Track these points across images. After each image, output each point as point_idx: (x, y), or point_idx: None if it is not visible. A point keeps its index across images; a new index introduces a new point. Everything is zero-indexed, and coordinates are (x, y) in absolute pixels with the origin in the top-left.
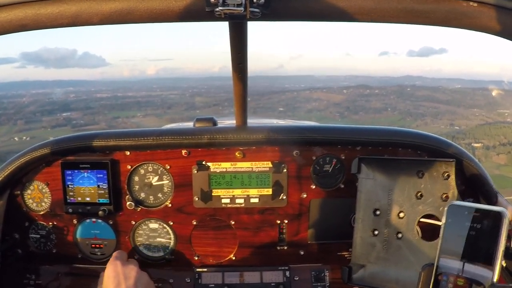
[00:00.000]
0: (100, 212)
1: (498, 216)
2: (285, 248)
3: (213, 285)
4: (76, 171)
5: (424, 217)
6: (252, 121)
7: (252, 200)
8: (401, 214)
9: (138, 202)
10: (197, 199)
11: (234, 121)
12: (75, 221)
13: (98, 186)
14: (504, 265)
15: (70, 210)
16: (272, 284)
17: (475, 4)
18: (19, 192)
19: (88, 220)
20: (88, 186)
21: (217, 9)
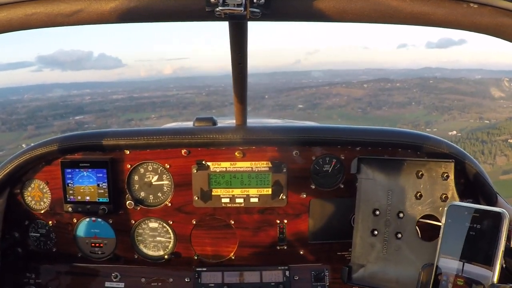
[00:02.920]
0: (100, 211)
1: (498, 217)
2: (285, 247)
3: (212, 285)
4: (76, 170)
5: (423, 217)
6: (252, 121)
7: (252, 200)
8: (401, 214)
9: (138, 201)
10: (196, 198)
11: (234, 121)
12: (75, 220)
13: (98, 185)
14: (504, 265)
15: (70, 209)
16: (272, 283)
17: (475, 6)
18: (19, 190)
19: (88, 219)
20: (88, 185)
21: (217, 9)
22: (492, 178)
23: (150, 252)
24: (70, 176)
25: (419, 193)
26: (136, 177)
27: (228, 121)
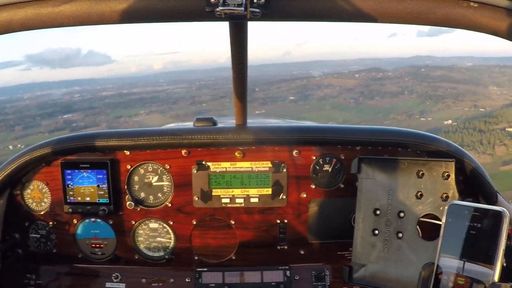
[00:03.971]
0: (100, 212)
1: (498, 216)
2: (285, 247)
3: (213, 285)
4: (76, 171)
5: (424, 216)
6: (252, 121)
7: (252, 200)
8: (401, 214)
9: (138, 202)
10: (197, 198)
11: (234, 121)
12: (75, 221)
13: (98, 186)
14: (505, 264)
15: (70, 210)
16: (273, 283)
17: (476, 5)
18: (19, 191)
19: (88, 220)
20: (88, 186)
21: (217, 9)
22: (493, 169)
23: (151, 253)
24: (70, 177)
25: (420, 193)
26: (136, 178)
27: (228, 121)
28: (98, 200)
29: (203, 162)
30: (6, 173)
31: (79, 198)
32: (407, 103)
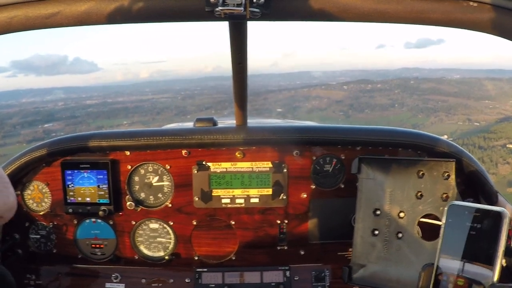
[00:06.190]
0: (100, 212)
1: (498, 216)
2: (285, 248)
3: (213, 285)
4: (76, 171)
5: (424, 217)
6: (252, 121)
7: (252, 200)
8: (401, 214)
9: (138, 202)
10: (197, 199)
11: (234, 121)
12: (75, 221)
13: (98, 186)
14: (504, 265)
15: (70, 210)
16: (272, 284)
17: (475, 4)
18: (19, 192)
19: (88, 220)
20: (88, 186)
21: (217, 9)
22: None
23: (151, 253)
24: (70, 177)
25: (420, 193)
26: (136, 178)
27: (228, 121)
28: (99, 201)
29: (204, 163)
30: (6, 173)
31: (80, 199)
32: (398, 116)
